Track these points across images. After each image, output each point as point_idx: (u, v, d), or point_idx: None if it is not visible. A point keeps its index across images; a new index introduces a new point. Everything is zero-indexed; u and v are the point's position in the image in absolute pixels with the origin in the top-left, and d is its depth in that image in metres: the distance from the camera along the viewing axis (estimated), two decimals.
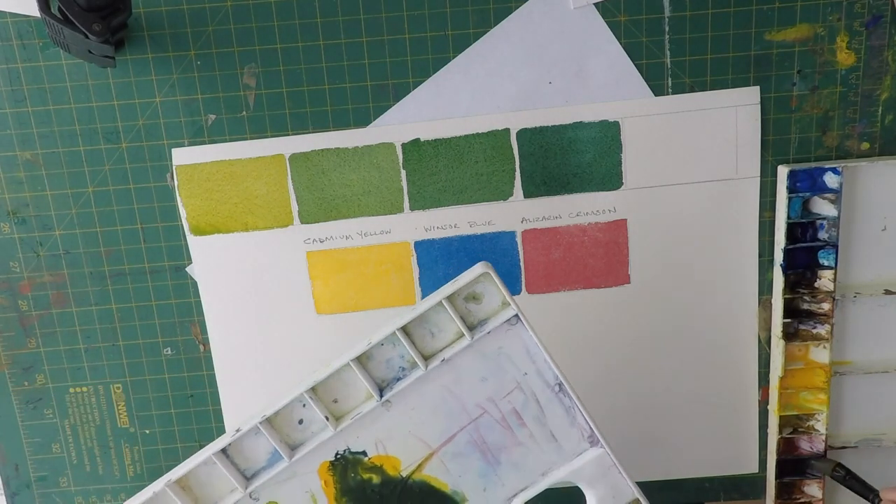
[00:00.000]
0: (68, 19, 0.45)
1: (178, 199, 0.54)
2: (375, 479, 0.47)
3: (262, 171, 0.54)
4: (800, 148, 0.54)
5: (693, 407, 0.58)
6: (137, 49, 0.52)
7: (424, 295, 0.56)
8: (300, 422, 0.46)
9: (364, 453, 0.47)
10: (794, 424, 0.57)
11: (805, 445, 0.57)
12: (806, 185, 0.54)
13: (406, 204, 0.55)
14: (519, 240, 0.56)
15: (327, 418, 0.45)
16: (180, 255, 0.55)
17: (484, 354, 0.46)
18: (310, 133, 0.54)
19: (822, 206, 0.54)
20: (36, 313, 0.56)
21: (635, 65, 0.53)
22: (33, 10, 0.50)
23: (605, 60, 0.53)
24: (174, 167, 0.54)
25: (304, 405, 0.46)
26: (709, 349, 0.57)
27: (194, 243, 0.55)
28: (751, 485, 0.60)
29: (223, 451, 0.45)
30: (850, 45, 0.53)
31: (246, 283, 0.56)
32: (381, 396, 0.46)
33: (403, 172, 0.54)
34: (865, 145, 0.54)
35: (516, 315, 0.45)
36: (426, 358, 0.46)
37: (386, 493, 0.47)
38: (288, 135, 0.54)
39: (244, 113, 0.53)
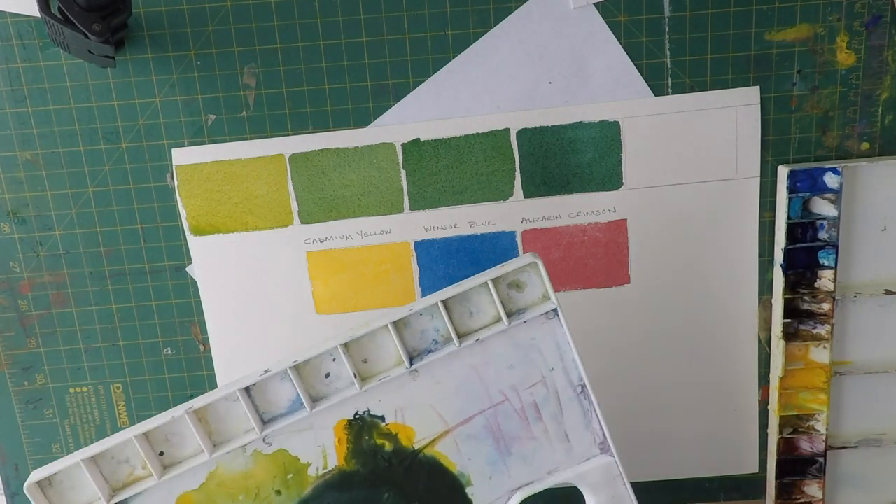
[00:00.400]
0: (68, 19, 0.45)
1: (178, 199, 0.54)
2: (388, 445, 0.47)
3: (262, 171, 0.54)
4: (800, 148, 0.54)
5: (693, 407, 0.58)
6: (137, 49, 0.52)
7: (424, 295, 0.56)
8: (327, 375, 0.46)
9: (382, 418, 0.46)
10: (794, 424, 0.57)
11: (805, 445, 0.57)
12: (806, 185, 0.54)
13: (406, 204, 0.55)
14: (519, 240, 0.56)
15: (355, 376, 0.45)
16: (180, 255, 0.55)
17: (516, 342, 0.46)
18: (310, 133, 0.54)
19: (822, 206, 0.54)
20: (36, 313, 0.56)
21: (635, 65, 0.53)
22: (33, 10, 0.50)
23: (605, 60, 0.53)
24: (174, 167, 0.54)
25: (334, 359, 0.45)
26: (709, 349, 0.57)
27: (194, 243, 0.55)
28: (751, 485, 0.60)
29: (246, 389, 0.45)
30: (850, 45, 0.53)
31: (246, 283, 0.56)
32: (411, 364, 0.46)
33: (403, 172, 0.54)
34: (865, 145, 0.54)
35: (555, 309, 0.46)
36: (461, 336, 0.46)
37: (395, 462, 0.47)
38: (288, 135, 0.54)
39: (244, 113, 0.53)
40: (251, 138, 0.54)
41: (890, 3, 0.52)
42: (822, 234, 0.54)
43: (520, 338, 0.46)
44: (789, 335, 0.55)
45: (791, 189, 0.53)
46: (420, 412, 0.46)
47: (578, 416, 0.47)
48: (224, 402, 0.45)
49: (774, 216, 0.55)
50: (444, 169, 0.54)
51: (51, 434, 0.58)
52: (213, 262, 0.55)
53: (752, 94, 0.53)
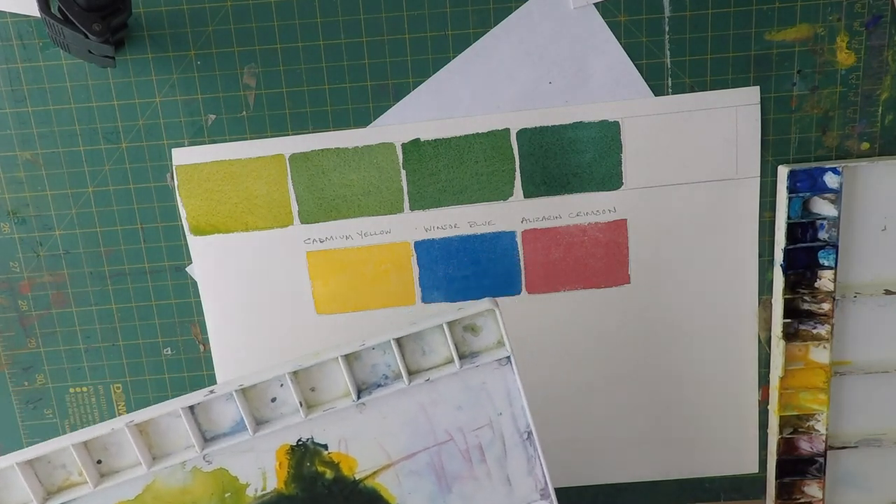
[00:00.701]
0: (68, 19, 0.45)
1: (178, 199, 0.54)
2: (329, 474, 0.47)
3: (262, 171, 0.54)
4: (800, 148, 0.54)
5: (693, 407, 0.58)
6: (137, 49, 0.52)
7: (424, 295, 0.56)
8: (273, 399, 0.46)
9: (326, 447, 0.47)
10: (794, 424, 0.57)
11: (805, 445, 0.57)
12: (806, 185, 0.54)
13: (406, 204, 0.55)
14: (519, 240, 0.56)
15: (301, 404, 0.46)
16: (180, 255, 0.55)
17: (467, 385, 0.47)
18: (310, 133, 0.54)
19: (822, 206, 0.54)
20: (36, 313, 0.56)
21: (635, 65, 0.53)
22: (33, 10, 0.50)
23: (605, 60, 0.53)
24: (174, 167, 0.54)
25: (281, 385, 0.46)
26: (709, 349, 0.57)
27: (194, 243, 0.55)
28: (751, 485, 0.60)
29: (190, 407, 0.45)
30: (850, 45, 0.53)
31: (246, 283, 0.56)
32: (358, 398, 0.46)
33: (403, 172, 0.54)
34: (865, 145, 0.54)
35: (508, 357, 0.46)
36: (411, 373, 0.47)
37: (335, 490, 0.47)
38: (288, 135, 0.54)
39: (244, 113, 0.53)
40: (251, 138, 0.54)
41: (890, 3, 0.52)
42: (822, 234, 0.54)
43: (471, 381, 0.47)
44: (789, 335, 0.55)
45: (791, 189, 0.53)
46: (364, 444, 0.47)
47: (522, 461, 0.48)
48: (167, 418, 0.45)
49: (774, 216, 0.55)
50: (444, 169, 0.54)
51: (51, 434, 0.58)
52: (213, 262, 0.55)
53: (752, 94, 0.53)
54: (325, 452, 0.47)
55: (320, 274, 0.56)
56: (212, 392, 0.45)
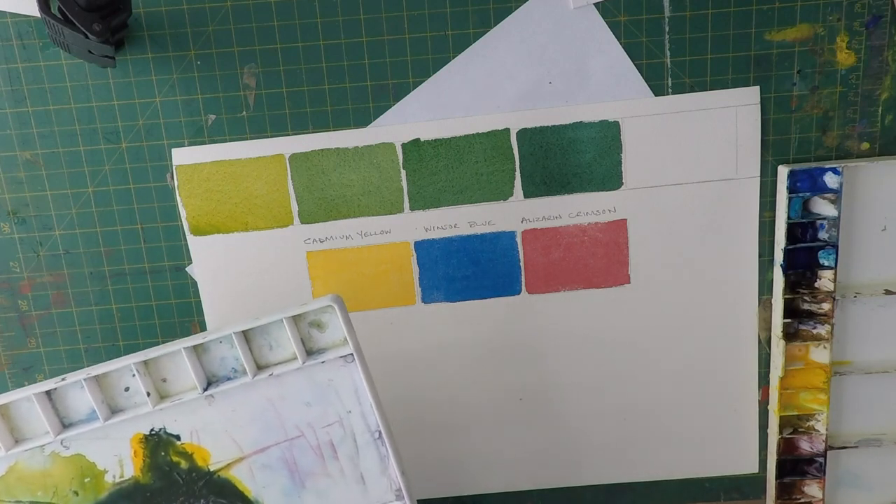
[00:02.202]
0: (68, 19, 0.45)
1: (178, 199, 0.54)
2: (184, 463, 0.48)
3: (262, 171, 0.54)
4: (800, 148, 0.54)
5: (693, 407, 0.58)
6: (137, 49, 0.52)
7: (424, 295, 0.56)
8: (126, 389, 0.47)
9: (178, 437, 0.48)
10: (795, 424, 0.57)
11: (805, 445, 0.57)
12: (806, 185, 0.54)
13: (406, 204, 0.55)
14: (519, 240, 0.56)
15: (149, 394, 0.47)
16: (180, 255, 0.55)
17: (314, 381, 0.47)
18: (310, 133, 0.54)
19: (822, 206, 0.54)
20: (36, 313, 0.56)
21: (635, 65, 0.53)
22: (33, 10, 0.50)
23: (605, 60, 0.53)
24: (174, 167, 0.54)
25: (133, 375, 0.47)
26: (709, 349, 0.57)
27: (194, 243, 0.55)
28: (751, 485, 0.60)
29: (47, 393, 0.47)
30: (850, 45, 0.53)
31: (246, 283, 0.56)
32: (206, 390, 0.47)
33: (403, 172, 0.54)
34: (865, 145, 0.54)
35: (353, 354, 0.46)
36: (260, 367, 0.47)
37: (190, 479, 0.48)
38: (288, 135, 0.54)
39: (244, 113, 0.53)
40: (251, 138, 0.54)
41: (890, 3, 0.52)
42: (822, 234, 0.54)
43: (317, 377, 0.47)
44: (789, 335, 0.55)
45: (791, 189, 0.53)
46: (215, 436, 0.48)
47: (375, 461, 0.48)
48: (25, 403, 0.47)
49: (774, 216, 0.55)
50: (444, 169, 0.54)
51: None
52: (213, 262, 0.55)
53: (752, 94, 0.53)
54: (178, 443, 0.48)
55: (320, 274, 0.56)
56: (63, 379, 0.46)
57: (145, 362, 0.47)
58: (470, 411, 0.58)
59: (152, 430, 0.48)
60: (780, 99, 0.54)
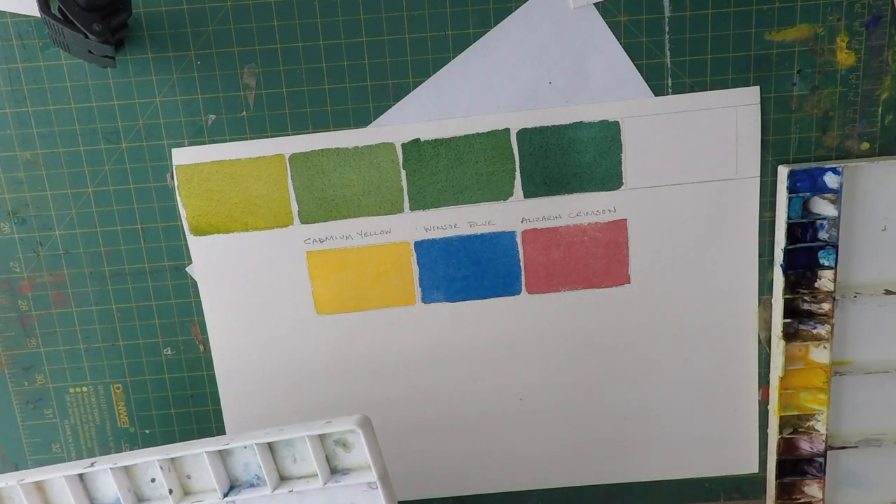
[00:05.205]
0: (68, 19, 0.45)
1: (178, 199, 0.54)
2: None
3: (262, 171, 0.54)
4: (800, 148, 0.54)
5: (693, 407, 0.58)
6: (137, 49, 0.52)
7: (424, 295, 0.56)
8: (152, 480, 0.47)
9: None
10: (795, 424, 0.57)
11: (805, 445, 0.57)
12: (806, 185, 0.54)
13: (406, 204, 0.55)
14: (519, 240, 0.56)
15: (171, 491, 0.47)
16: (180, 255, 0.55)
17: (335, 502, 0.46)
18: (310, 133, 0.54)
19: (822, 206, 0.54)
20: (36, 313, 0.56)
21: (635, 65, 0.53)
22: (33, 10, 0.50)
23: (605, 60, 0.53)
24: (174, 167, 0.54)
25: (161, 467, 0.47)
26: (709, 349, 0.57)
27: (194, 243, 0.55)
28: (751, 485, 0.60)
29: (79, 476, 0.47)
30: (850, 45, 0.53)
31: (246, 283, 0.56)
32: (226, 495, 0.46)
33: (403, 172, 0.54)
34: (865, 145, 0.54)
35: (377, 481, 0.45)
36: (282, 478, 0.46)
37: None
38: (288, 135, 0.54)
39: (244, 113, 0.53)
40: (251, 138, 0.54)
41: (890, 3, 0.52)
42: (822, 234, 0.54)
43: (339, 499, 0.46)
44: (789, 335, 0.55)
45: (791, 189, 0.53)
46: None
47: None
48: (59, 481, 0.47)
49: (774, 216, 0.55)
50: (444, 169, 0.54)
51: (51, 434, 0.58)
52: (213, 262, 0.55)
53: (752, 94, 0.53)
54: None
55: (320, 274, 0.56)
56: (92, 465, 0.46)
57: (172, 459, 0.46)
58: (470, 411, 0.58)
59: None
60: (780, 99, 0.54)
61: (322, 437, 0.45)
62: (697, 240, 0.56)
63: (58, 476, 0.47)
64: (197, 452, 0.46)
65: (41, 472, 0.47)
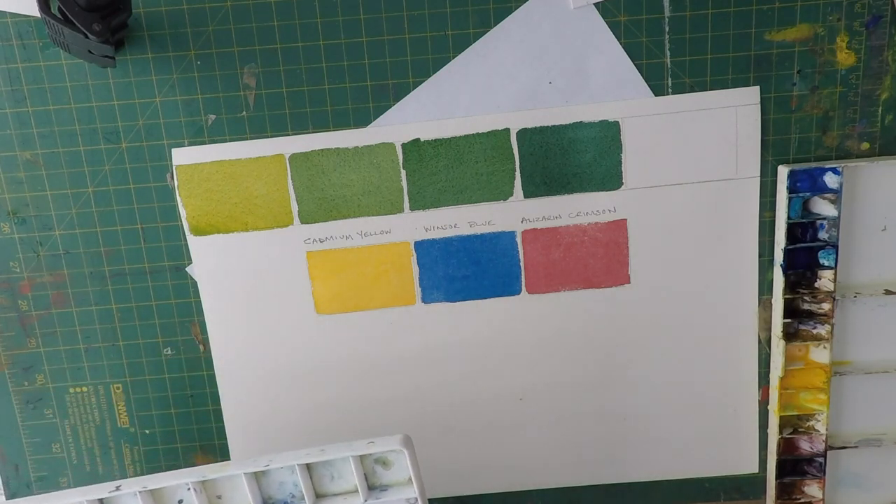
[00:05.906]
0: (68, 19, 0.45)
1: (178, 199, 0.54)
2: None
3: (262, 171, 0.54)
4: (800, 148, 0.54)
5: (693, 407, 0.58)
6: (137, 49, 0.52)
7: (424, 295, 0.56)
8: (180, 501, 0.47)
9: None
10: (795, 424, 0.57)
11: (805, 445, 0.57)
12: (806, 185, 0.54)
13: (406, 204, 0.55)
14: (519, 240, 0.56)
15: None
16: (180, 255, 0.55)
17: None
18: (310, 133, 0.54)
19: (822, 206, 0.54)
20: (36, 313, 0.56)
21: (635, 65, 0.53)
22: (33, 10, 0.50)
23: (605, 60, 0.53)
24: (174, 167, 0.54)
25: (189, 489, 0.46)
26: (709, 349, 0.57)
27: (194, 243, 0.55)
28: (751, 485, 0.60)
29: (100, 500, 0.47)
30: (850, 45, 0.53)
31: (246, 283, 0.56)
32: None
33: (403, 172, 0.54)
34: (865, 145, 0.54)
35: (417, 499, 0.45)
36: (318, 496, 0.46)
37: None
38: (288, 135, 0.54)
39: (244, 113, 0.53)
40: (251, 138, 0.54)
41: (890, 3, 0.52)
42: (822, 234, 0.54)
43: None
44: (789, 335, 0.55)
45: (791, 189, 0.53)
46: None
47: None
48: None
49: (774, 216, 0.55)
50: (444, 169, 0.54)
51: (51, 434, 0.58)
52: (213, 262, 0.55)
53: (752, 94, 0.53)
54: None
55: (320, 274, 0.56)
56: (118, 488, 0.46)
57: (203, 482, 0.46)
58: (470, 411, 0.58)
59: None
60: (780, 99, 0.54)
61: (363, 458, 0.45)
62: (697, 240, 0.56)
63: (80, 500, 0.46)
64: (234, 474, 0.45)
65: (67, 495, 0.46)
